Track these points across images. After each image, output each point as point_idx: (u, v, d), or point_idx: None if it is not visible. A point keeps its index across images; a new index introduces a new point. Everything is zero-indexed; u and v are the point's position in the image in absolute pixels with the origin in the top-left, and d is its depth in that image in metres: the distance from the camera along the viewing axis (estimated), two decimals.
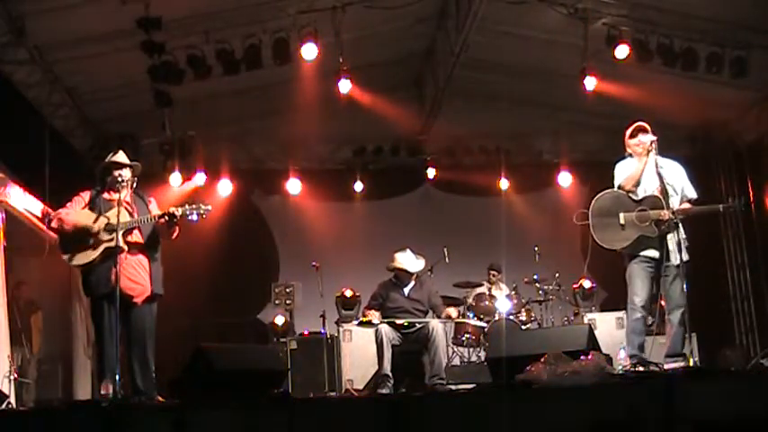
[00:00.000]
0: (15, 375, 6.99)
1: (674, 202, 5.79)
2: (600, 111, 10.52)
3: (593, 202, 5.97)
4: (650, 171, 5.85)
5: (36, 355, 8.72)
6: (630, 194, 5.85)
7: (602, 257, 6.30)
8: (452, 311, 7.73)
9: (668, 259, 5.69)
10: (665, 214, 5.66)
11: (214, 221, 10.31)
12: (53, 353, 9.09)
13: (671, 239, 5.69)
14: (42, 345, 8.87)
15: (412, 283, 7.81)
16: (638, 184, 5.86)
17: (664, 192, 5.73)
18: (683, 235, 5.75)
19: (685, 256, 5.68)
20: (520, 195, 11.95)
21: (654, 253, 5.75)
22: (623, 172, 5.96)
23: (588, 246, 6.11)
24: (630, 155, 6.01)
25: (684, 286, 5.61)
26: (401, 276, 7.79)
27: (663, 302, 6.13)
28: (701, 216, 5.86)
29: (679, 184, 5.87)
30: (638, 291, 5.78)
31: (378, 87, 9.92)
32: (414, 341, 7.49)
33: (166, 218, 5.68)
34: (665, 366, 5.48)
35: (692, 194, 5.88)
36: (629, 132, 5.99)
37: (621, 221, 5.77)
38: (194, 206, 5.74)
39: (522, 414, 3.95)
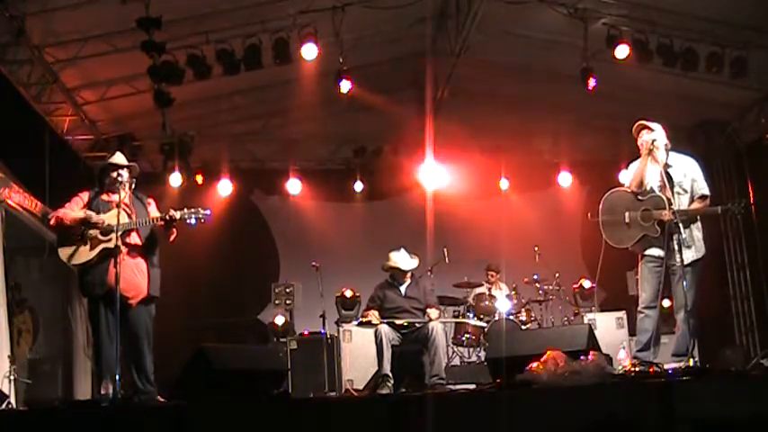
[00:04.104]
0: (15, 375, 6.99)
1: (684, 201, 5.77)
2: (600, 111, 10.53)
3: (603, 199, 6.03)
4: (654, 170, 5.86)
5: (25, 354, 8.67)
6: (637, 193, 5.87)
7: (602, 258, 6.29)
8: (433, 313, 7.67)
9: (672, 259, 5.69)
10: (667, 215, 5.66)
11: (214, 221, 10.17)
12: (53, 353, 9.08)
13: (675, 239, 5.68)
14: (33, 345, 8.83)
15: (408, 281, 7.82)
16: (642, 183, 5.86)
17: (667, 190, 5.72)
18: (694, 233, 5.72)
19: (690, 256, 5.66)
20: (520, 195, 11.95)
21: (658, 252, 5.76)
22: (630, 172, 6.00)
23: (600, 249, 6.10)
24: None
25: (688, 285, 5.59)
26: (396, 276, 7.81)
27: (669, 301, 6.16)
28: (701, 217, 5.85)
29: (689, 182, 5.84)
30: (643, 290, 5.86)
31: (378, 87, 9.92)
32: (413, 341, 7.48)
33: (165, 220, 5.68)
34: (666, 366, 5.48)
35: (704, 191, 5.83)
36: (634, 132, 6.00)
37: (626, 220, 5.83)
38: (193, 210, 5.74)
39: (522, 414, 3.95)
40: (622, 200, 5.92)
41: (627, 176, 6.03)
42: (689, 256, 5.66)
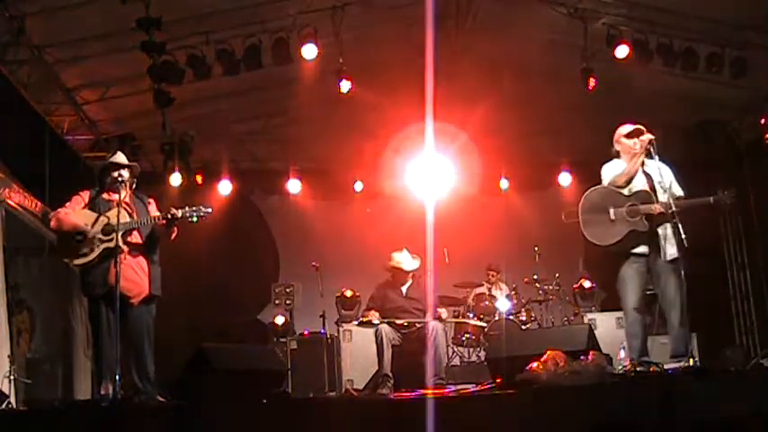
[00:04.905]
0: (15, 375, 6.98)
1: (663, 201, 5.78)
2: (600, 111, 10.51)
3: (583, 198, 5.92)
4: (639, 171, 5.87)
5: (25, 354, 8.65)
6: (620, 190, 5.83)
7: (602, 257, 6.28)
8: (443, 312, 7.74)
9: (659, 255, 5.66)
10: (657, 208, 5.65)
11: (214, 221, 10.24)
12: (53, 353, 9.08)
13: (661, 235, 5.66)
14: (32, 345, 8.82)
15: (409, 282, 7.86)
16: (630, 182, 5.85)
17: (652, 189, 5.73)
18: (680, 234, 5.71)
19: (673, 253, 5.61)
20: (520, 195, 11.94)
21: (644, 249, 5.71)
22: (613, 170, 5.93)
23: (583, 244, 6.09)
24: (617, 155, 5.99)
25: (677, 283, 5.54)
26: (398, 276, 7.84)
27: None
28: (694, 209, 5.81)
29: (666, 184, 5.84)
30: (630, 292, 5.69)
31: (378, 87, 9.92)
32: (414, 341, 7.49)
33: (166, 219, 5.69)
34: (666, 366, 5.46)
35: (680, 192, 5.83)
36: (624, 133, 5.97)
37: (612, 217, 5.72)
38: (194, 208, 5.75)
39: (522, 414, 3.95)
40: (605, 197, 5.82)
41: (611, 173, 5.92)
42: (672, 252, 5.63)
